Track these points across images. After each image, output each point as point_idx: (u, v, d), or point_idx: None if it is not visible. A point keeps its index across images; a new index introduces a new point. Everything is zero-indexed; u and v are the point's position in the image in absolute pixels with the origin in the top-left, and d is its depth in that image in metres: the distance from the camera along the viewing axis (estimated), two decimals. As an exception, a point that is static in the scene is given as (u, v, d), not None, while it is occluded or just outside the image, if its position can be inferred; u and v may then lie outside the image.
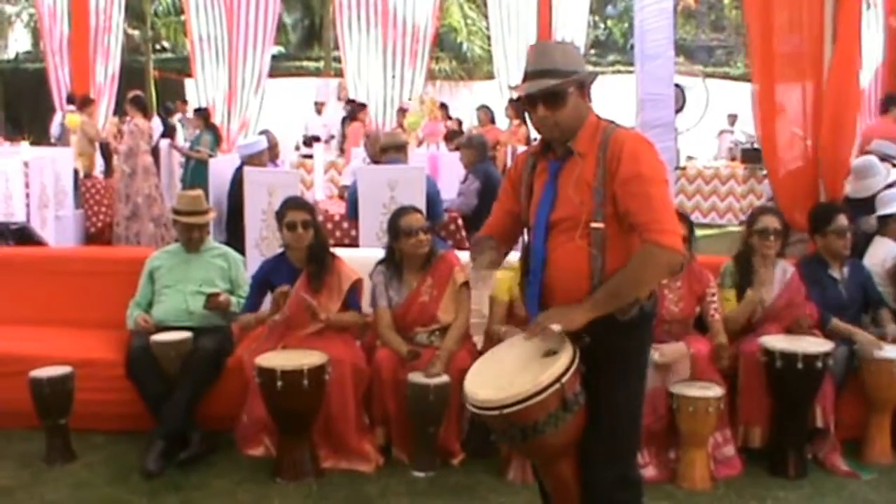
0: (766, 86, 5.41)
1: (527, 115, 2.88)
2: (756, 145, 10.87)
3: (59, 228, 8.85)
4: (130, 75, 16.46)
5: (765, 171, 7.64)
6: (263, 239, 6.00)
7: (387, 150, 6.86)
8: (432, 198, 6.24)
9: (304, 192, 8.59)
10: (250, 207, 6.10)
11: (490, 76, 17.85)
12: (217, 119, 11.07)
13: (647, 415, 3.81)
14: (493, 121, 12.95)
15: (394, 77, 13.89)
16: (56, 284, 5.37)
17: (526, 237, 2.93)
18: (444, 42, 23.19)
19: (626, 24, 28.51)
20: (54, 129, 12.54)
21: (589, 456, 2.75)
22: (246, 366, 4.39)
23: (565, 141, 2.77)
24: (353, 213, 6.44)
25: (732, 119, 15.56)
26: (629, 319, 2.72)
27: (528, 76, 2.76)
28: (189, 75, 13.04)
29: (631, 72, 8.42)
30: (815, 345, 4.22)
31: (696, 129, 11.96)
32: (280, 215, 4.62)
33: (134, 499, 3.95)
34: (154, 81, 21.99)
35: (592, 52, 27.31)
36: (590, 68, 3.10)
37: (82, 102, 11.23)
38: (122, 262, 5.44)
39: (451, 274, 4.53)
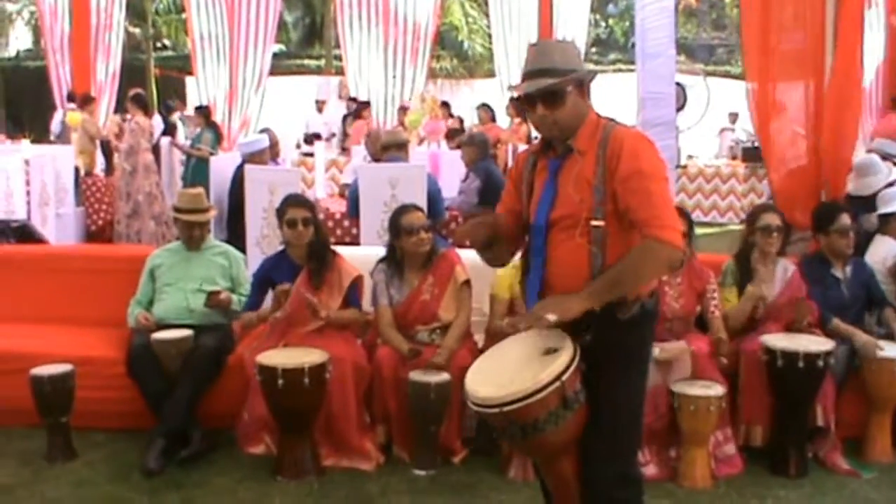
0: (764, 84, 5.41)
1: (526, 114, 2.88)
2: (757, 144, 10.86)
3: (59, 226, 8.85)
4: (131, 73, 16.47)
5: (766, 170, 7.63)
6: (264, 237, 6.01)
7: (388, 149, 6.87)
8: (433, 196, 6.24)
9: (305, 190, 8.56)
10: (251, 205, 6.10)
11: (491, 74, 17.83)
12: (218, 117, 11.06)
13: (649, 413, 3.81)
14: (493, 119, 12.96)
15: (395, 76, 13.89)
16: (57, 282, 5.37)
17: (526, 235, 2.93)
18: (445, 40, 23.16)
19: (627, 23, 28.51)
20: (55, 127, 12.54)
21: (589, 454, 2.75)
22: (247, 364, 4.39)
23: (565, 139, 2.77)
24: (354, 211, 6.44)
25: (733, 117, 15.54)
26: (631, 317, 2.71)
27: (526, 76, 2.77)
28: (190, 73, 13.04)
29: (632, 70, 8.41)
30: (816, 343, 4.22)
31: (697, 127, 11.97)
32: (280, 213, 4.62)
33: (135, 497, 3.95)
34: (155, 79, 21.98)
35: (593, 50, 27.30)
36: (591, 67, 3.10)
37: (83, 100, 11.23)
38: (123, 260, 5.44)
39: (452, 272, 4.53)
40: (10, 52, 27.16)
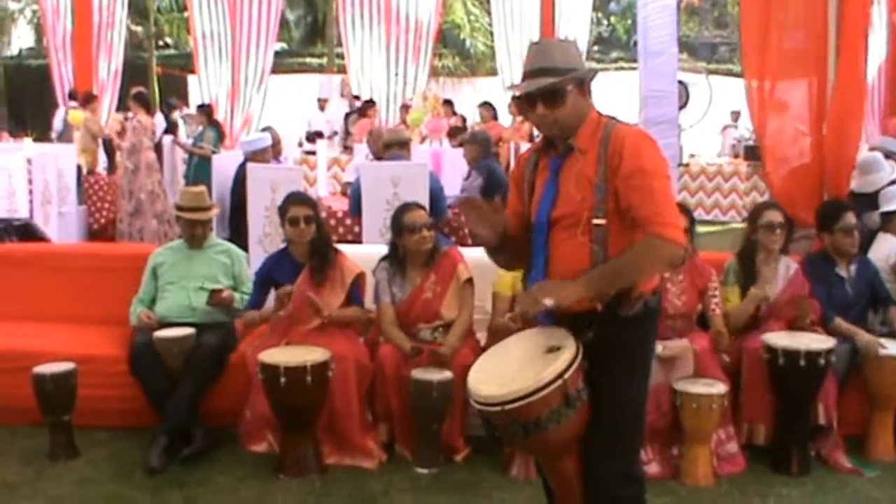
0: (762, 82, 5.41)
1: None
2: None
3: (62, 225, 8.84)
4: (133, 72, 16.47)
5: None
6: (266, 235, 6.00)
7: (390, 147, 6.86)
8: (435, 194, 6.23)
9: (308, 188, 8.58)
10: (253, 204, 6.09)
11: (493, 73, 17.82)
12: (220, 115, 11.07)
13: (651, 411, 3.80)
14: (495, 117, 12.95)
15: (397, 74, 13.90)
16: (59, 281, 5.37)
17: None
18: (447, 38, 23.14)
19: (629, 21, 28.43)
20: (57, 126, 12.55)
21: (592, 452, 2.74)
22: (249, 362, 4.39)
23: (566, 138, 2.77)
24: (356, 209, 6.44)
25: (736, 116, 15.50)
26: (633, 315, 2.71)
27: (526, 75, 2.76)
28: (192, 72, 13.06)
29: (634, 68, 8.40)
30: (817, 342, 4.22)
31: (700, 125, 11.90)
32: (282, 210, 4.62)
33: (137, 495, 3.95)
34: (157, 78, 21.96)
35: (595, 48, 27.24)
36: (593, 65, 3.10)
37: (85, 99, 11.23)
38: (125, 259, 5.44)
39: (454, 270, 4.53)
40: (13, 50, 27.15)
